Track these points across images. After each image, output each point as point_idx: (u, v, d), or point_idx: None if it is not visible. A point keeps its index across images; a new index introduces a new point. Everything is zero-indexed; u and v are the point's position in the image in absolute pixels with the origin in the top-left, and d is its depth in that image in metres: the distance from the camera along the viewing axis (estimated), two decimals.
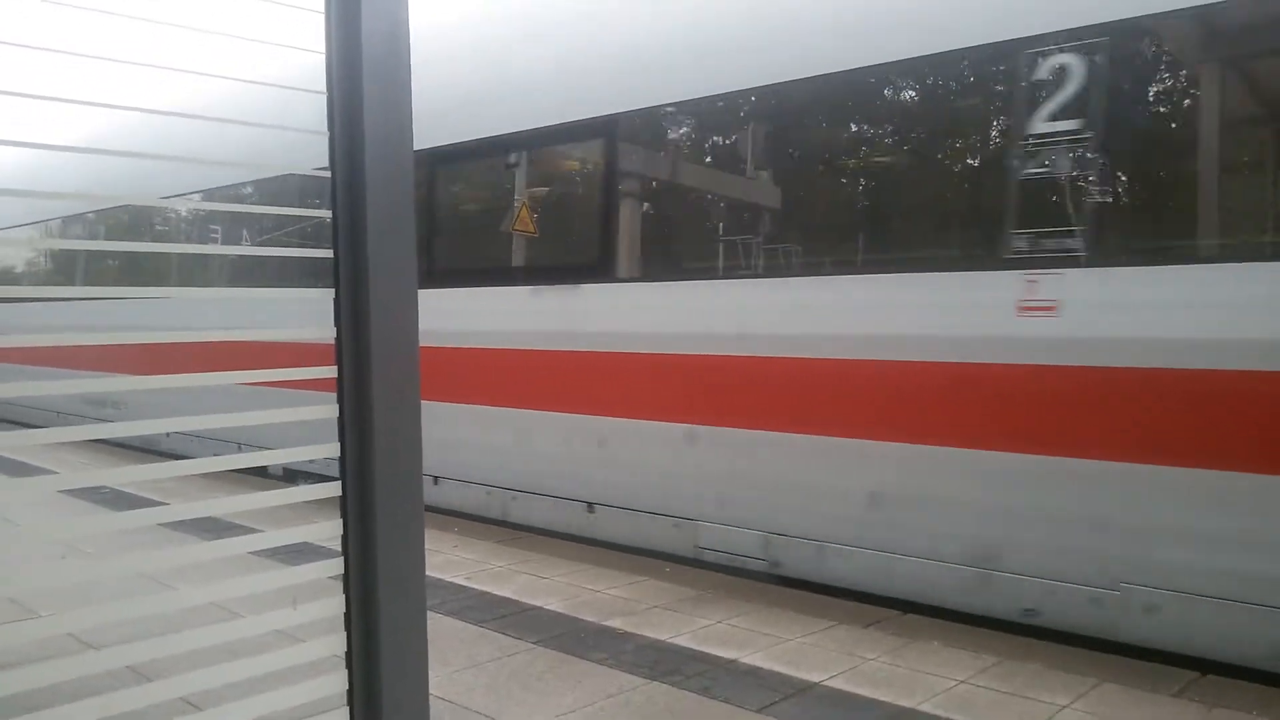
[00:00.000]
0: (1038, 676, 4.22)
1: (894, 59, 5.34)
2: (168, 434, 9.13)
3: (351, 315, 1.91)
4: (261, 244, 9.51)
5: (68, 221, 12.78)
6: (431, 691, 2.05)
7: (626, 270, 6.56)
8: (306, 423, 1.94)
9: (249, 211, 10.67)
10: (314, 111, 1.92)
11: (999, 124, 5.09)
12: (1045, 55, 4.70)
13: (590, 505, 6.70)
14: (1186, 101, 4.80)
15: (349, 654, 1.93)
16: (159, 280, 11.09)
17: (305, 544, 1.94)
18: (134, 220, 12.21)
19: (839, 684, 4.14)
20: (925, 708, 3.88)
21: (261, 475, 8.58)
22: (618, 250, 6.58)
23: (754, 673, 4.27)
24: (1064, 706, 3.89)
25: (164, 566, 1.81)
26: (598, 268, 6.63)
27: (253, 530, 1.95)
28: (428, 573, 2.03)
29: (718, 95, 6.16)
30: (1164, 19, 4.50)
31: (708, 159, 6.66)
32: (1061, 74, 4.65)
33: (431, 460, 2.14)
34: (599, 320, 6.56)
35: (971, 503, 4.97)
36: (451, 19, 7.77)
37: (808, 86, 5.68)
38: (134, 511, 1.75)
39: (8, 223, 12.94)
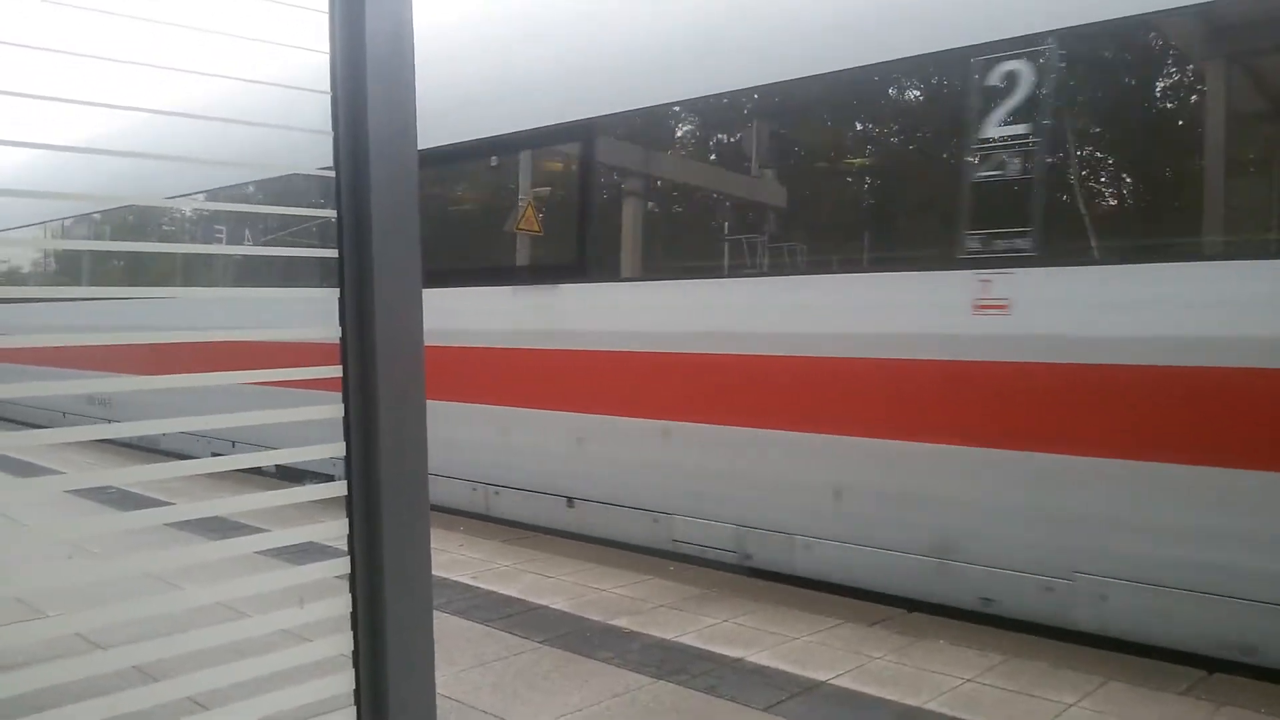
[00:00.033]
0: (1044, 675, 4.22)
1: (849, 66, 5.48)
2: (164, 434, 9.16)
3: (356, 315, 1.91)
4: (266, 244, 9.52)
5: (74, 222, 12.82)
6: (438, 690, 2.05)
7: (599, 271, 6.74)
8: (304, 422, 1.94)
9: (254, 212, 10.69)
10: (318, 111, 1.92)
11: (953, 129, 5.23)
12: (995, 62, 4.85)
13: (570, 500, 6.85)
14: (1130, 106, 4.94)
15: (355, 653, 1.94)
16: (164, 280, 11.10)
17: (311, 543, 1.94)
18: (139, 221, 12.24)
19: (845, 682, 4.14)
20: (931, 706, 3.88)
21: (257, 474, 8.59)
22: (589, 252, 6.78)
23: (760, 671, 4.26)
24: (1071, 705, 3.89)
25: (170, 566, 1.81)
26: (573, 269, 6.83)
27: (259, 530, 1.95)
28: (434, 572, 2.03)
29: (674, 102, 6.43)
30: (1107, 26, 4.62)
31: (665, 166, 6.93)
32: (1011, 80, 4.80)
33: None
34: (575, 319, 6.74)
35: (930, 495, 5.13)
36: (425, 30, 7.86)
37: (769, 92, 5.95)
38: (140, 511, 1.75)
39: (15, 223, 12.97)
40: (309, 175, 2.08)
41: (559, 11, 7.32)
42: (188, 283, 10.86)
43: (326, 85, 1.89)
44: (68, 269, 13.53)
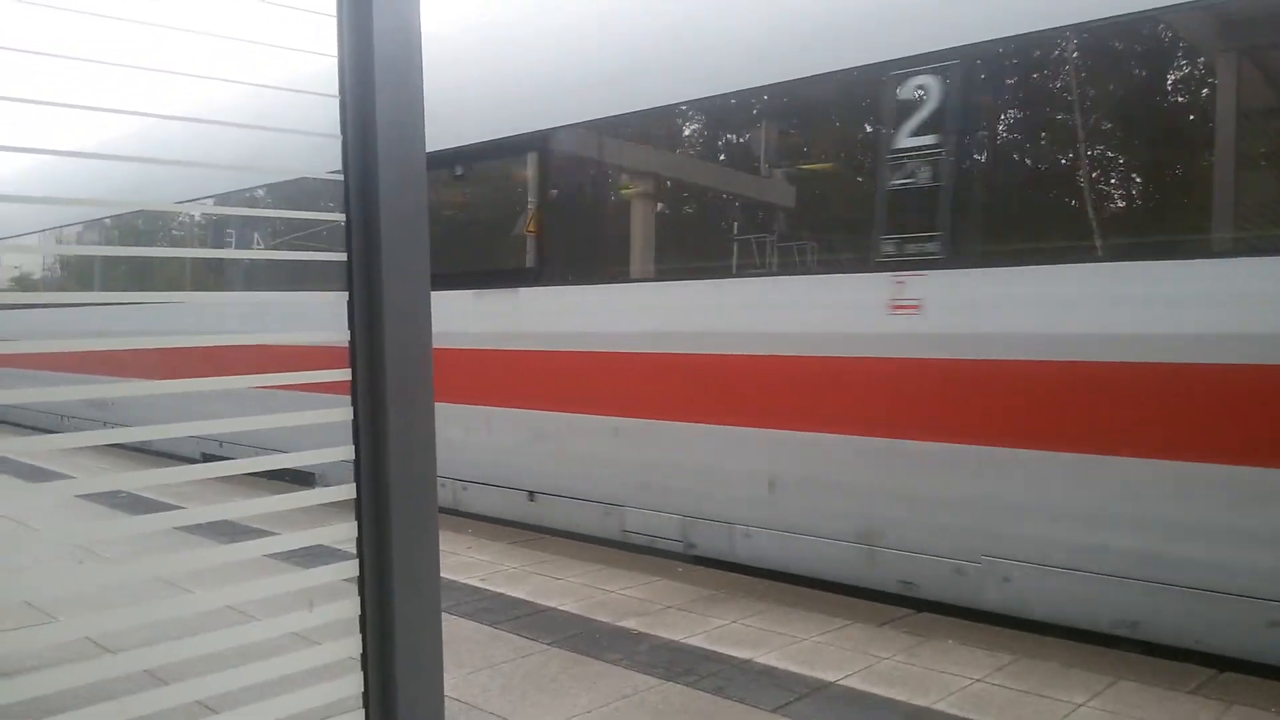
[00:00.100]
0: (1054, 674, 4.21)
1: (773, 81, 5.84)
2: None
3: (366, 318, 1.91)
4: (274, 248, 9.54)
5: (85, 227, 12.86)
6: (447, 693, 2.05)
7: (551, 276, 7.05)
8: (309, 426, 1.94)
9: (264, 216, 10.71)
10: (327, 115, 1.92)
11: (871, 140, 5.58)
12: (906, 77, 5.19)
13: (531, 494, 7.18)
14: (1024, 119, 5.25)
15: (364, 656, 1.94)
16: (174, 285, 11.13)
17: (320, 546, 1.94)
18: (149, 225, 12.28)
19: (854, 683, 4.13)
20: (941, 706, 3.87)
21: (264, 476, 8.61)
22: (542, 259, 7.14)
23: (769, 672, 4.26)
24: (1080, 704, 3.88)
25: (180, 570, 1.81)
26: (529, 274, 7.16)
27: (268, 533, 1.96)
28: (442, 574, 2.03)
29: (612, 117, 6.72)
30: (1006, 43, 4.92)
31: (602, 178, 7.23)
32: (921, 94, 5.14)
33: None
34: (531, 322, 7.08)
35: (854, 485, 5.44)
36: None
37: (697, 106, 6.39)
38: (150, 515, 1.75)
39: (27, 228, 13.02)
40: (318, 179, 2.09)
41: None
42: (198, 287, 10.90)
43: (335, 89, 1.89)
44: (79, 274, 13.58)
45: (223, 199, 9.45)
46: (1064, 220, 5.05)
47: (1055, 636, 4.72)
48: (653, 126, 6.70)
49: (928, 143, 5.10)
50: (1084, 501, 4.63)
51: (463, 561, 6.19)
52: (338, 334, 1.91)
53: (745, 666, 4.34)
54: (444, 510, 7.42)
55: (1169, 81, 4.81)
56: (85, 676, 1.61)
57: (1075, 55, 4.90)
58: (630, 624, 4.94)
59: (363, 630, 1.93)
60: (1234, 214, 4.52)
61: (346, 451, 1.93)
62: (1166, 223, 4.84)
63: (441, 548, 2.03)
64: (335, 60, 1.89)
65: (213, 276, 10.80)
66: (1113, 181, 5.07)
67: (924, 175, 5.11)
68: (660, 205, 7.00)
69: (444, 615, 2.03)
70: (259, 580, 1.88)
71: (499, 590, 5.57)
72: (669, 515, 6.32)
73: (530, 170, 7.22)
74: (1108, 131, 5.03)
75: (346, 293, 1.91)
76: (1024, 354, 4.75)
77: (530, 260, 7.22)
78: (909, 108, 5.16)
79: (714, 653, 4.50)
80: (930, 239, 5.09)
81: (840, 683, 4.14)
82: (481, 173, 7.81)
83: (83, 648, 2.10)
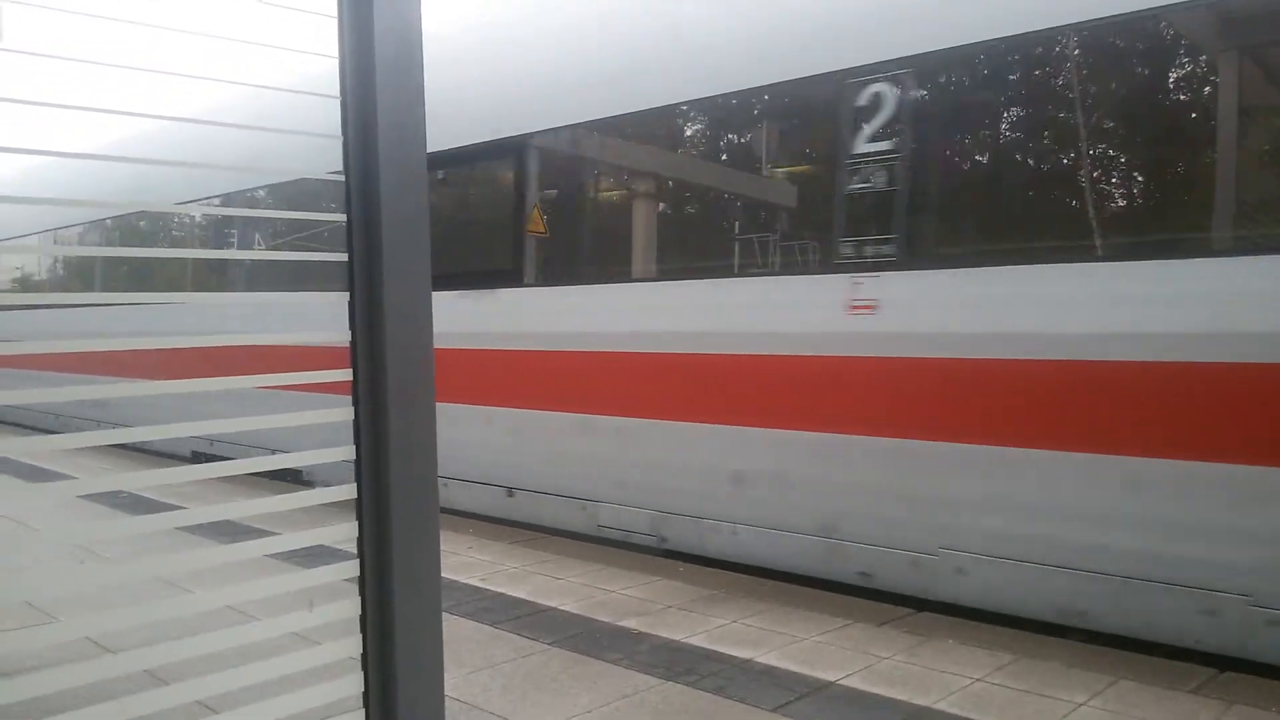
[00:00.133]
0: (1055, 674, 4.21)
1: (739, 89, 6.07)
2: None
3: (366, 318, 1.91)
4: (275, 249, 9.54)
5: (87, 228, 12.87)
6: (447, 693, 2.06)
7: (527, 277, 7.23)
8: (309, 426, 1.94)
9: (265, 216, 10.71)
10: (328, 116, 1.92)
11: (830, 145, 5.71)
12: (863, 85, 5.34)
13: (510, 490, 7.36)
14: (975, 126, 5.44)
15: (364, 656, 1.94)
16: (175, 286, 11.14)
17: (321, 546, 1.94)
18: (150, 226, 12.28)
19: (854, 683, 4.13)
20: (941, 706, 3.87)
21: (264, 475, 8.62)
22: (518, 261, 7.30)
23: (769, 672, 4.26)
24: (1081, 704, 3.88)
25: (180, 570, 1.81)
26: (507, 275, 7.32)
27: (268, 533, 1.96)
28: (443, 574, 2.03)
29: (581, 123, 6.94)
30: (957, 51, 5.09)
31: (571, 183, 7.44)
32: (877, 101, 5.29)
33: None
34: (509, 322, 7.25)
35: (815, 480, 5.61)
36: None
37: (662, 114, 6.55)
38: (151, 515, 1.75)
39: (27, 229, 13.02)
40: (319, 179, 2.09)
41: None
42: (199, 288, 10.91)
43: (336, 90, 1.90)
44: (80, 274, 13.59)
45: (224, 200, 9.46)
46: (1015, 223, 5.20)
47: (1055, 636, 4.73)
48: (622, 135, 6.95)
49: (884, 148, 5.25)
50: (1035, 496, 4.77)
51: (463, 561, 6.20)
52: (339, 334, 1.92)
53: (746, 666, 4.34)
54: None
55: (1108, 88, 4.99)
56: (85, 676, 1.61)
57: (1024, 63, 5.08)
58: (631, 624, 4.94)
59: (363, 630, 1.94)
60: (1169, 218, 4.77)
61: (347, 451, 1.93)
62: (1109, 225, 4.97)
63: (442, 548, 2.03)
64: (336, 61, 1.89)
65: (214, 277, 10.81)
66: (1062, 186, 5.20)
67: (880, 179, 5.27)
68: (630, 210, 7.15)
69: (444, 615, 2.03)
70: (259, 580, 1.88)
71: (500, 590, 5.57)
72: (641, 510, 6.48)
73: (506, 176, 7.43)
74: (1052, 137, 5.18)
75: (347, 293, 1.91)
76: (975, 352, 4.90)
77: (509, 263, 7.40)
78: (866, 114, 5.32)
79: (714, 652, 4.50)
80: (886, 241, 5.26)
81: (841, 682, 4.14)
82: (452, 177, 8.03)
83: (83, 648, 2.10)
